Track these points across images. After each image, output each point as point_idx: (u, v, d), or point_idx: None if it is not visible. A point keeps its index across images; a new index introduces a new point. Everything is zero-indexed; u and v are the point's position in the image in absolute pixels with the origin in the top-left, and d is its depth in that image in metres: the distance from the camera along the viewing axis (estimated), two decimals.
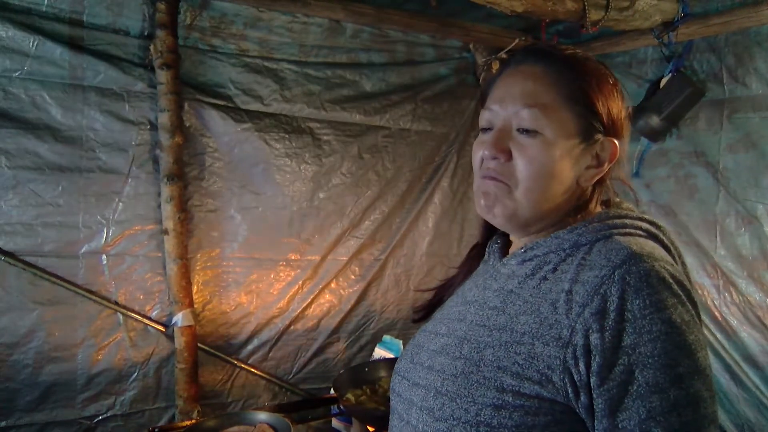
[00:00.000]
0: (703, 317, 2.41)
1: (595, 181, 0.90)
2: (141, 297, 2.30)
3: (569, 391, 0.76)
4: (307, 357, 2.68)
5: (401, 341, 2.34)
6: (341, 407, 1.96)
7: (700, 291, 2.42)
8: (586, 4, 2.03)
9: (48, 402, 2.14)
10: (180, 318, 2.28)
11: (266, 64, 2.46)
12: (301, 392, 2.67)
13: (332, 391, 2.02)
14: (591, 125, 0.87)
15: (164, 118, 2.22)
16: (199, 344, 2.36)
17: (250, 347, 2.55)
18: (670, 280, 0.77)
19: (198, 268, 2.40)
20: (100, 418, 2.23)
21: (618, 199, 0.95)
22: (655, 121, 2.32)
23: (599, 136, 0.88)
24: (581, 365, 0.75)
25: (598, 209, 0.92)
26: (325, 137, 2.61)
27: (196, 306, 2.37)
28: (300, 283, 2.61)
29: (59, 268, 2.14)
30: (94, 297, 2.19)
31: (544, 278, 0.85)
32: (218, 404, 2.49)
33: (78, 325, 2.18)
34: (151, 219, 2.28)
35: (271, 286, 2.56)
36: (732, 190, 2.30)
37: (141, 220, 2.27)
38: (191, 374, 2.32)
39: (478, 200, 0.91)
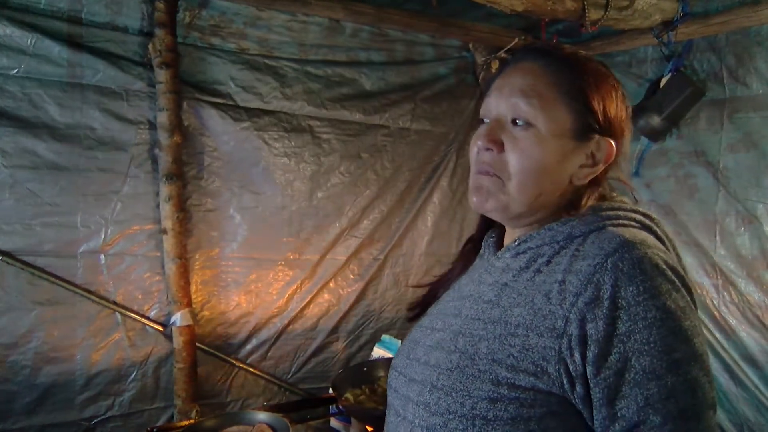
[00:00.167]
0: (702, 317, 2.43)
1: (588, 180, 0.89)
2: (140, 297, 2.29)
3: (565, 382, 0.76)
4: (306, 356, 2.67)
5: (400, 341, 2.34)
6: (340, 407, 1.95)
7: (699, 290, 2.42)
8: (585, 3, 2.02)
9: (46, 404, 2.13)
10: (178, 318, 2.27)
11: (267, 61, 2.45)
12: (300, 392, 2.66)
13: (331, 391, 2.02)
14: (587, 124, 0.87)
15: (163, 118, 2.21)
16: (197, 344, 2.36)
17: (248, 347, 2.54)
18: (664, 266, 0.77)
19: (197, 267, 2.40)
20: (99, 419, 2.23)
21: (614, 194, 0.95)
22: (655, 120, 2.32)
23: (595, 136, 0.88)
24: (576, 355, 0.75)
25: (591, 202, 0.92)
26: (324, 136, 2.60)
27: (194, 306, 2.36)
28: (299, 282, 2.61)
29: (58, 268, 2.13)
30: (92, 297, 2.19)
31: (538, 270, 0.85)
32: (217, 404, 2.49)
33: (77, 325, 2.18)
34: (149, 218, 2.27)
35: (270, 285, 2.56)
36: (732, 190, 2.30)
37: (140, 220, 2.26)
38: (190, 374, 2.32)
39: (471, 196, 0.92)
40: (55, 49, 2.04)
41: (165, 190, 2.24)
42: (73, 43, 2.08)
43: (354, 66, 2.64)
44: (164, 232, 2.26)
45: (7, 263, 2.04)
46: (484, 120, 0.93)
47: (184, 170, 2.31)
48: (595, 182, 0.90)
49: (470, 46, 2.83)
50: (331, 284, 2.71)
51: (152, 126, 2.24)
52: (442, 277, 1.11)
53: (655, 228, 0.88)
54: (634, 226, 0.85)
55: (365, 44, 2.64)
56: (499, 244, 1.00)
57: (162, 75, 2.19)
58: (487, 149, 0.88)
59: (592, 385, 0.75)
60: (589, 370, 0.74)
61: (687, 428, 0.72)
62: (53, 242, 2.12)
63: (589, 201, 0.89)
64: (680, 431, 0.72)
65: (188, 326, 2.30)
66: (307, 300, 2.63)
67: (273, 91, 2.47)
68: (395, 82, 2.73)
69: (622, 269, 0.76)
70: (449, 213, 2.94)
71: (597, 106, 0.87)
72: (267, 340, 2.57)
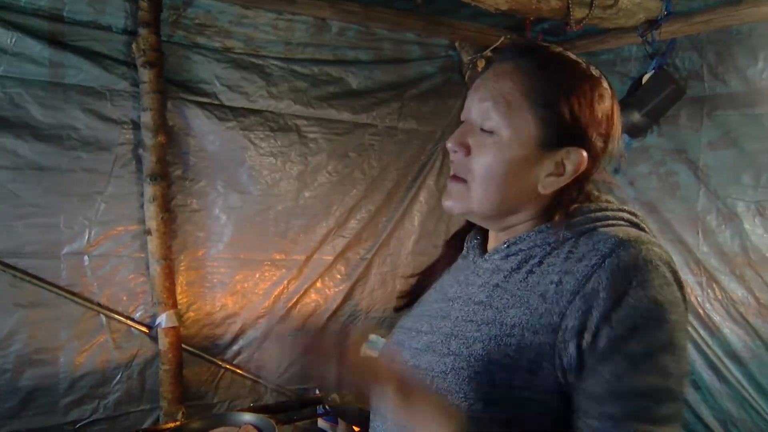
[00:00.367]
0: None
1: (553, 189, 0.86)
2: (124, 298, 2.27)
3: (559, 375, 0.77)
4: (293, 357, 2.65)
5: None
6: (327, 407, 1.95)
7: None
8: (570, 2, 2.04)
9: (29, 408, 2.10)
10: (164, 319, 2.26)
11: (252, 59, 2.44)
12: (287, 393, 2.65)
13: (318, 392, 2.02)
14: (556, 133, 0.84)
15: (147, 117, 2.19)
16: (183, 345, 2.34)
17: (235, 348, 2.53)
18: (658, 262, 0.78)
19: (182, 268, 2.38)
20: (84, 422, 2.20)
21: (596, 193, 0.93)
22: (635, 117, 2.33)
23: (565, 145, 0.84)
24: (571, 347, 0.76)
25: (575, 205, 0.90)
26: (311, 135, 2.59)
27: (180, 307, 2.34)
28: (285, 282, 2.60)
29: (41, 270, 2.10)
30: (76, 298, 2.16)
31: (531, 272, 0.85)
32: (203, 405, 2.47)
33: (60, 328, 2.15)
34: (134, 219, 2.25)
35: (257, 286, 2.55)
36: (713, 188, 2.33)
37: (124, 221, 2.24)
38: (176, 376, 2.30)
39: (443, 199, 0.93)
40: (37, 47, 2.02)
41: (149, 190, 2.22)
42: (54, 41, 2.05)
43: (341, 65, 2.63)
44: (149, 232, 2.24)
45: None
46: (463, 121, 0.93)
47: (168, 170, 2.29)
48: (570, 190, 0.87)
49: (457, 44, 2.84)
50: (318, 284, 2.70)
51: (136, 126, 2.22)
52: (429, 269, 1.10)
53: (642, 225, 0.88)
54: (623, 225, 0.85)
55: (352, 43, 2.63)
56: (483, 247, 0.99)
57: (146, 74, 2.17)
58: (455, 151, 0.89)
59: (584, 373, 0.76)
60: (584, 357, 0.76)
61: (647, 407, 0.73)
62: (36, 244, 2.09)
63: (567, 208, 0.87)
64: (640, 409, 0.73)
65: (174, 328, 2.28)
66: (294, 300, 2.62)
67: (259, 90, 2.45)
68: (382, 80, 2.72)
69: (619, 266, 0.76)
70: (436, 212, 2.94)
71: (568, 115, 0.83)
72: (254, 341, 2.55)
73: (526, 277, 0.85)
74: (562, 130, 0.84)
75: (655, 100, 2.29)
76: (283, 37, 2.47)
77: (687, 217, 2.42)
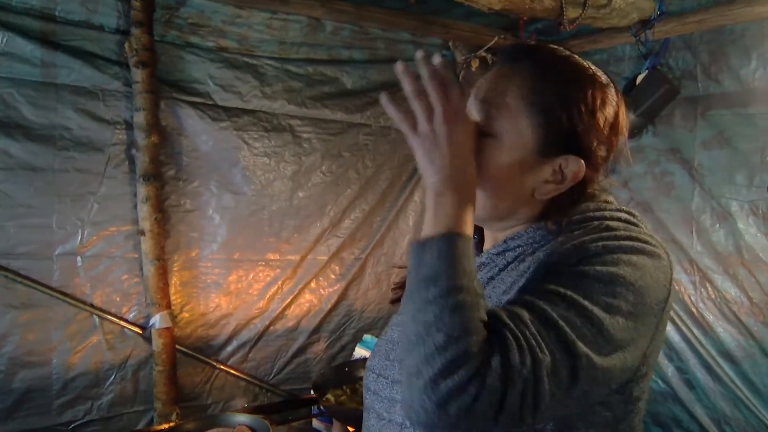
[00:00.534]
0: (680, 313, 2.46)
1: (550, 196, 0.85)
2: (117, 299, 2.26)
3: None
4: (288, 357, 2.66)
5: None
6: (321, 408, 1.95)
7: (677, 287, 2.45)
8: (563, 1, 2.04)
9: (22, 410, 2.08)
10: (157, 320, 2.25)
11: (246, 59, 2.43)
12: (282, 393, 2.65)
13: (312, 392, 2.01)
14: (555, 139, 0.82)
15: (140, 118, 2.18)
16: (177, 346, 2.33)
17: (229, 348, 2.52)
18: (640, 246, 0.77)
19: (176, 269, 2.37)
20: (77, 423, 2.18)
21: (597, 192, 0.92)
22: (630, 117, 2.33)
23: (564, 152, 0.83)
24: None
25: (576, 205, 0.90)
26: (305, 135, 2.59)
27: (173, 307, 2.33)
28: (279, 283, 2.59)
29: (33, 271, 2.09)
30: (69, 299, 2.15)
31: (522, 260, 0.85)
32: (197, 406, 2.46)
33: (53, 329, 2.14)
34: (127, 220, 2.24)
35: (251, 286, 2.54)
36: (707, 187, 2.33)
37: (117, 221, 2.23)
38: (169, 376, 2.29)
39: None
40: (28, 47, 2.00)
41: (143, 190, 2.21)
42: (46, 41, 2.04)
43: (335, 64, 2.63)
44: (142, 233, 2.23)
45: None
46: None
47: (162, 171, 2.28)
48: (564, 198, 0.86)
49: (450, 44, 2.84)
50: (313, 284, 2.69)
51: (129, 126, 2.21)
52: None
53: (640, 225, 0.87)
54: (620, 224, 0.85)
55: (346, 42, 2.63)
56: (479, 245, 0.99)
57: (139, 74, 2.16)
58: None
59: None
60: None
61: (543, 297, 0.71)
62: (28, 244, 2.08)
63: (562, 213, 0.86)
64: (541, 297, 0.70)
65: (167, 328, 2.27)
66: (289, 300, 2.62)
67: (253, 90, 2.45)
68: (377, 80, 2.72)
69: (596, 239, 0.77)
70: None
71: (567, 122, 0.81)
72: (248, 342, 2.55)
73: (518, 266, 0.85)
74: (561, 137, 0.82)
75: (649, 100, 2.29)
76: (277, 37, 2.47)
77: (681, 217, 2.43)
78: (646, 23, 2.24)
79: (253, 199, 2.50)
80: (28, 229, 2.07)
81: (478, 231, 1.00)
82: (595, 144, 0.83)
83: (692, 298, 2.42)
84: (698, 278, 2.40)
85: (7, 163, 2.02)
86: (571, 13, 2.08)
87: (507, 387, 0.62)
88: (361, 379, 2.04)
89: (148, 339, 2.28)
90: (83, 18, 2.10)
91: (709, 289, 2.36)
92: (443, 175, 0.74)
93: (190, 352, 2.40)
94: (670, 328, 2.47)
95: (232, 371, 2.52)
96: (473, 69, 2.71)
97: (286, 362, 2.65)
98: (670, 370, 2.52)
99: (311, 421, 2.20)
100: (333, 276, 2.75)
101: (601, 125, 0.83)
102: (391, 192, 2.84)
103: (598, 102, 0.83)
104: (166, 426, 1.96)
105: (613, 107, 0.85)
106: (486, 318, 0.67)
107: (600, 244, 0.75)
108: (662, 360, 2.52)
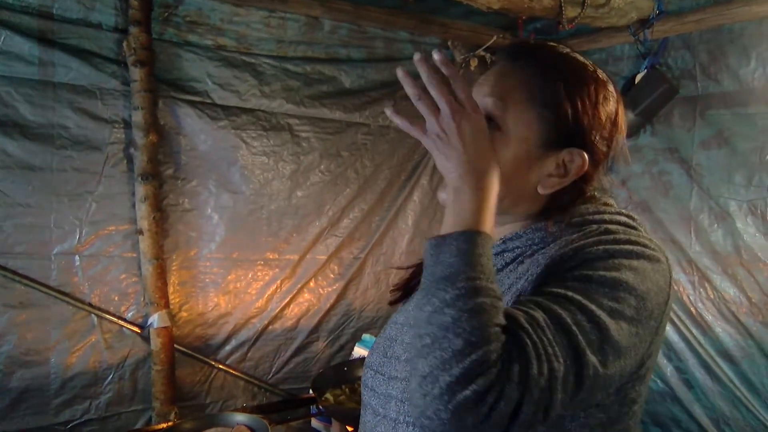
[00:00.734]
0: (679, 313, 2.46)
1: (554, 190, 0.86)
2: (116, 298, 2.25)
3: None
4: (286, 357, 2.65)
5: None
6: (320, 407, 1.95)
7: (676, 287, 2.45)
8: (562, 1, 2.04)
9: (20, 409, 2.08)
10: (156, 319, 2.24)
11: (244, 58, 2.42)
12: (281, 392, 2.64)
13: (311, 391, 2.01)
14: (558, 133, 0.83)
15: (138, 117, 2.17)
16: (175, 345, 2.33)
17: (228, 348, 2.52)
18: (640, 248, 0.77)
19: (174, 268, 2.36)
20: (75, 423, 2.18)
21: (597, 195, 0.93)
22: (628, 116, 2.33)
23: (567, 146, 0.84)
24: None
25: (576, 206, 0.90)
26: (304, 134, 2.58)
27: (172, 307, 2.33)
28: (278, 282, 2.59)
29: (31, 270, 2.08)
30: (67, 299, 2.14)
31: (521, 262, 0.85)
32: (196, 406, 2.46)
33: (51, 328, 2.13)
34: (125, 219, 2.23)
35: (249, 285, 2.54)
36: (705, 187, 2.33)
37: (115, 220, 2.22)
38: (168, 376, 2.29)
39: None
40: (26, 45, 1.99)
41: (141, 190, 2.21)
42: (44, 39, 2.03)
43: (333, 63, 2.62)
44: (140, 232, 2.23)
45: None
46: None
47: (160, 170, 2.28)
48: (570, 192, 0.87)
49: (449, 43, 2.83)
50: (312, 284, 2.69)
51: (127, 125, 2.20)
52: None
53: (639, 228, 0.87)
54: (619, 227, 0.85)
55: (344, 41, 2.62)
56: None
57: (137, 73, 2.15)
58: None
59: None
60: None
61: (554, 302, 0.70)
62: (26, 243, 2.07)
63: (563, 209, 0.87)
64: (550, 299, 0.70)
65: (166, 328, 2.27)
66: (287, 300, 2.62)
67: (251, 88, 2.44)
68: (375, 79, 2.71)
69: (596, 242, 0.76)
70: (429, 211, 2.94)
71: (570, 116, 0.83)
72: (246, 341, 2.54)
73: (517, 267, 0.85)
74: (564, 130, 0.83)
75: (648, 99, 2.29)
76: (275, 35, 2.46)
77: (679, 217, 2.43)
78: (644, 22, 2.24)
79: (251, 198, 2.49)
80: (26, 228, 2.07)
81: None
82: (597, 138, 0.85)
83: (691, 298, 2.42)
84: (697, 278, 2.40)
85: (4, 162, 2.01)
86: (570, 12, 2.08)
87: (524, 397, 0.61)
88: (359, 378, 2.03)
89: (146, 338, 2.28)
90: (81, 16, 2.10)
91: (708, 288, 2.36)
92: (459, 171, 0.73)
93: (188, 351, 2.40)
94: (669, 328, 2.48)
95: (231, 371, 2.52)
96: (472, 68, 2.71)
97: (284, 361, 2.65)
98: (669, 369, 2.52)
99: (310, 421, 2.19)
100: (332, 275, 2.74)
101: (603, 120, 0.85)
102: (390, 191, 2.84)
103: (600, 97, 0.85)
104: (164, 425, 1.96)
105: (613, 103, 0.87)
106: (504, 322, 0.65)
107: (601, 248, 0.75)
108: (661, 360, 2.52)
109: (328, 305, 2.73)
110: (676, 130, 2.42)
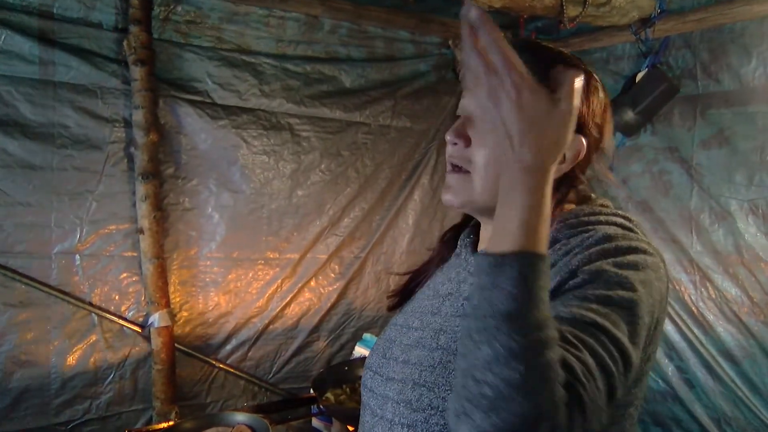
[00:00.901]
0: (681, 312, 2.46)
1: (556, 177, 0.85)
2: (116, 297, 2.25)
3: None
4: (287, 356, 2.65)
5: None
6: (321, 407, 1.94)
7: (677, 286, 2.45)
8: None
9: (20, 409, 2.08)
10: (156, 318, 2.24)
11: (244, 57, 2.42)
12: (281, 392, 2.64)
13: (312, 391, 2.01)
14: None
15: (139, 116, 2.17)
16: (176, 345, 2.33)
17: (228, 347, 2.51)
18: (642, 254, 0.78)
19: (175, 267, 2.36)
20: (76, 422, 2.18)
21: (594, 195, 0.95)
22: (629, 115, 2.34)
23: None
24: None
25: (572, 205, 0.92)
26: (304, 134, 2.58)
27: (173, 306, 2.33)
28: (279, 281, 2.59)
29: (31, 269, 2.08)
30: (67, 298, 2.14)
31: None
32: (196, 405, 2.46)
33: (51, 327, 2.13)
34: (126, 218, 2.23)
35: (250, 285, 2.53)
36: (706, 186, 2.33)
37: (115, 219, 2.22)
38: (168, 375, 2.29)
39: (443, 194, 0.93)
40: (26, 45, 2.00)
41: (141, 189, 2.20)
42: (44, 38, 2.03)
43: (333, 63, 2.62)
44: (141, 231, 2.22)
45: None
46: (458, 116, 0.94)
47: (160, 169, 2.28)
48: (567, 181, 0.89)
49: (450, 42, 2.83)
50: (312, 283, 2.69)
51: (128, 124, 2.20)
52: (421, 267, 1.11)
53: (636, 230, 0.88)
54: (616, 228, 0.86)
55: (344, 41, 2.62)
56: (476, 246, 0.99)
57: (137, 72, 2.15)
58: (454, 143, 0.90)
59: None
60: None
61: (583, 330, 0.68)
62: (26, 242, 2.07)
63: (565, 199, 0.89)
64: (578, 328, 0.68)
65: (166, 327, 2.27)
66: (288, 299, 2.61)
67: (251, 88, 2.44)
68: (375, 79, 2.71)
69: (599, 251, 0.77)
70: (430, 211, 2.94)
71: None
72: (247, 340, 2.54)
73: None
74: None
75: (649, 98, 2.29)
76: (274, 35, 2.46)
77: (680, 216, 2.42)
78: (646, 21, 2.24)
79: (252, 197, 2.49)
80: (26, 228, 2.07)
81: (475, 231, 1.01)
82: (591, 124, 0.89)
83: (692, 298, 2.41)
84: (698, 278, 2.39)
85: (5, 161, 2.01)
86: (572, 11, 2.08)
87: None
88: (360, 378, 2.03)
89: (147, 338, 2.28)
90: (81, 15, 2.10)
91: (710, 288, 2.36)
92: (527, 161, 0.62)
93: (189, 350, 2.40)
94: (670, 328, 2.47)
95: (232, 370, 2.52)
96: None
97: (285, 361, 2.65)
98: (670, 369, 2.52)
99: (311, 420, 2.19)
100: (332, 275, 2.74)
101: (595, 107, 0.90)
102: (391, 191, 2.84)
103: (591, 86, 0.90)
104: (165, 425, 1.95)
105: (603, 93, 0.92)
106: (558, 355, 0.61)
107: (611, 261, 0.75)
108: (662, 359, 2.52)
109: (329, 304, 2.72)
110: (676, 129, 2.41)
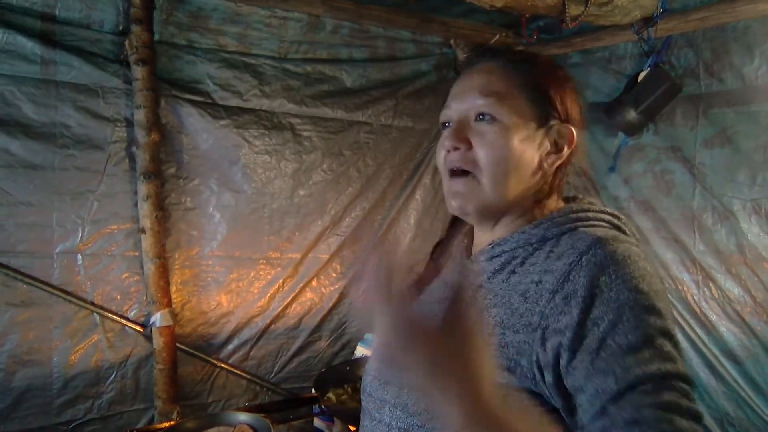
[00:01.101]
0: (683, 312, 2.45)
1: (556, 166, 0.92)
2: (118, 297, 2.25)
3: (536, 373, 0.77)
4: (289, 356, 2.65)
5: None
6: (322, 406, 1.94)
7: (679, 286, 2.44)
8: None
9: (22, 409, 2.08)
10: (158, 318, 2.24)
11: (245, 59, 2.42)
12: (283, 392, 2.64)
13: (313, 391, 2.01)
14: (546, 111, 0.91)
15: (140, 115, 2.18)
16: (178, 344, 2.33)
17: (230, 347, 2.52)
18: (635, 258, 0.78)
19: (176, 267, 2.36)
20: (78, 422, 2.18)
21: (580, 196, 0.98)
22: (631, 114, 2.33)
23: (555, 122, 0.91)
24: (548, 345, 0.75)
25: (561, 204, 0.95)
26: (305, 133, 2.58)
27: (174, 306, 2.33)
28: (281, 281, 2.59)
29: (33, 269, 2.09)
30: (69, 297, 2.15)
31: (513, 272, 0.87)
32: (198, 405, 2.46)
33: (53, 327, 2.14)
34: (127, 218, 2.24)
35: (251, 284, 2.53)
36: (708, 186, 2.32)
37: (117, 219, 2.22)
38: (170, 375, 2.29)
39: (449, 201, 0.94)
40: (28, 45, 2.00)
41: (143, 188, 2.21)
42: (46, 39, 2.03)
43: (335, 63, 2.62)
44: (142, 231, 2.23)
45: None
46: (447, 124, 0.95)
47: (162, 168, 2.28)
48: (561, 170, 0.94)
49: (451, 42, 2.83)
50: (314, 283, 2.69)
51: (129, 124, 2.21)
52: (419, 278, 1.10)
53: (624, 227, 0.91)
54: (603, 226, 0.88)
55: (346, 41, 2.62)
56: (469, 250, 1.01)
57: (138, 72, 2.16)
58: (456, 148, 0.90)
59: (567, 372, 0.74)
60: (564, 357, 0.74)
61: (662, 388, 0.70)
62: (28, 242, 2.07)
63: (559, 191, 0.93)
64: (656, 389, 0.69)
65: (168, 327, 2.27)
66: (290, 299, 2.61)
67: (252, 88, 2.44)
68: (377, 78, 2.71)
69: (596, 263, 0.77)
70: (432, 210, 2.93)
71: (554, 94, 0.91)
72: (249, 340, 2.54)
73: (509, 278, 0.87)
74: (551, 106, 0.92)
75: (651, 97, 2.29)
76: (276, 35, 2.46)
77: (682, 216, 2.41)
78: (648, 21, 2.23)
79: (253, 197, 2.49)
80: (28, 227, 2.07)
81: (470, 235, 1.02)
82: (573, 114, 0.94)
83: (695, 298, 2.40)
84: (701, 277, 2.38)
85: (7, 160, 2.02)
86: (574, 10, 2.07)
87: None
88: (361, 378, 2.03)
89: (148, 337, 2.28)
90: (83, 15, 2.10)
91: (712, 288, 2.35)
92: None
93: (190, 350, 2.40)
94: None
95: (233, 370, 2.52)
96: None
97: (287, 361, 2.65)
98: None
99: (312, 420, 2.19)
100: (334, 274, 2.74)
101: (573, 99, 0.95)
102: (392, 190, 2.84)
103: (567, 81, 0.96)
104: (166, 424, 1.96)
105: (573, 86, 0.97)
106: None
107: (633, 285, 0.75)
108: None
109: (331, 304, 2.72)
110: (678, 128, 2.40)
